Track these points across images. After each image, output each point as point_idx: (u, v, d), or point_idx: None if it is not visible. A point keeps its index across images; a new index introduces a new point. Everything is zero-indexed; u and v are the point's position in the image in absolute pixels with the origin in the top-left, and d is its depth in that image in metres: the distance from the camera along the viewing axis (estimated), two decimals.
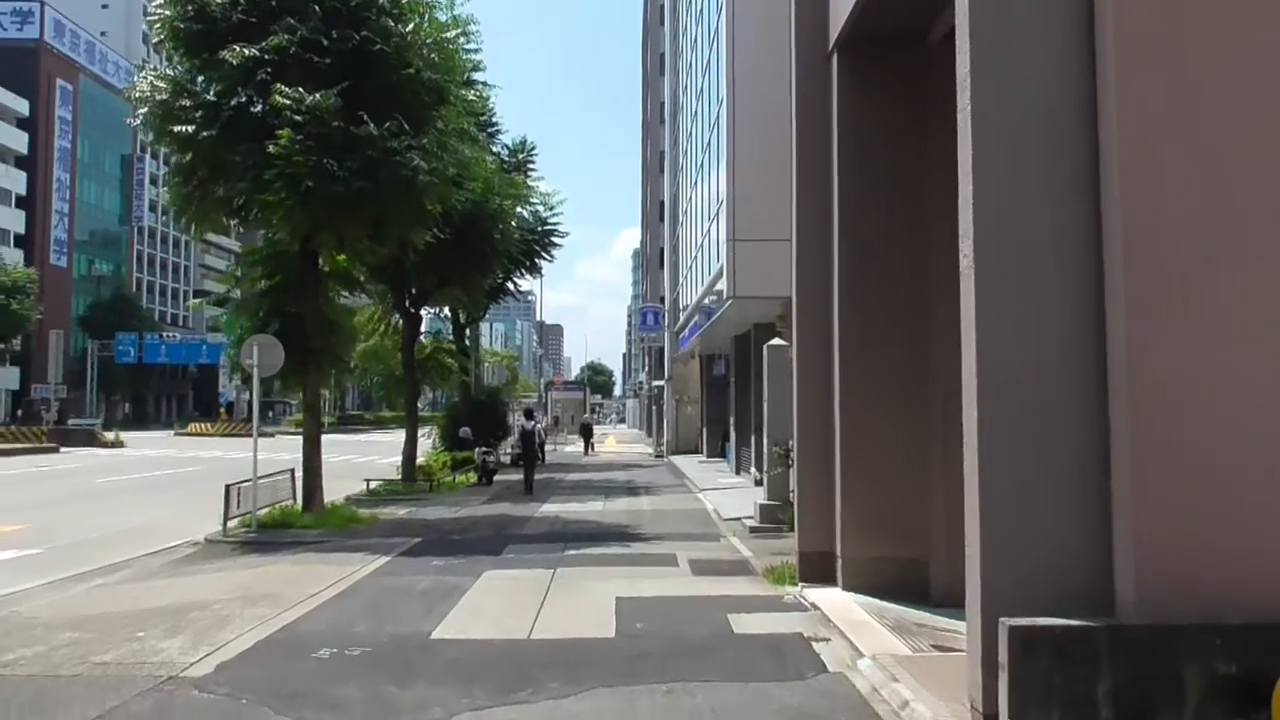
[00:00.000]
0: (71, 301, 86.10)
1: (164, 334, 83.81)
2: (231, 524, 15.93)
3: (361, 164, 15.05)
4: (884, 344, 10.38)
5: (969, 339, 5.84)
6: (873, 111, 10.35)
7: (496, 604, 10.05)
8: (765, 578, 11.33)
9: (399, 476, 24.97)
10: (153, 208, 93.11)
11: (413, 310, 26.19)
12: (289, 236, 16.56)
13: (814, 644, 8.17)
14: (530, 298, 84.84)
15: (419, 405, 30.04)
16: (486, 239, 25.40)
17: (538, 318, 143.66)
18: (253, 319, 17.73)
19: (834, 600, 9.70)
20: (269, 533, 15.82)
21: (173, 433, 68.86)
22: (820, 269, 10.87)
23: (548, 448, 33.72)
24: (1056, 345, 5.67)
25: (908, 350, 10.30)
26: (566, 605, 9.93)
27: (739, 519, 17.32)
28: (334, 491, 22.74)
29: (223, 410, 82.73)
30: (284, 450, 42.54)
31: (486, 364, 46.94)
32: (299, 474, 17.97)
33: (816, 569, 10.65)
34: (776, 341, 16.85)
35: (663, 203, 52.00)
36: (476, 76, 27.90)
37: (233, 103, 15.62)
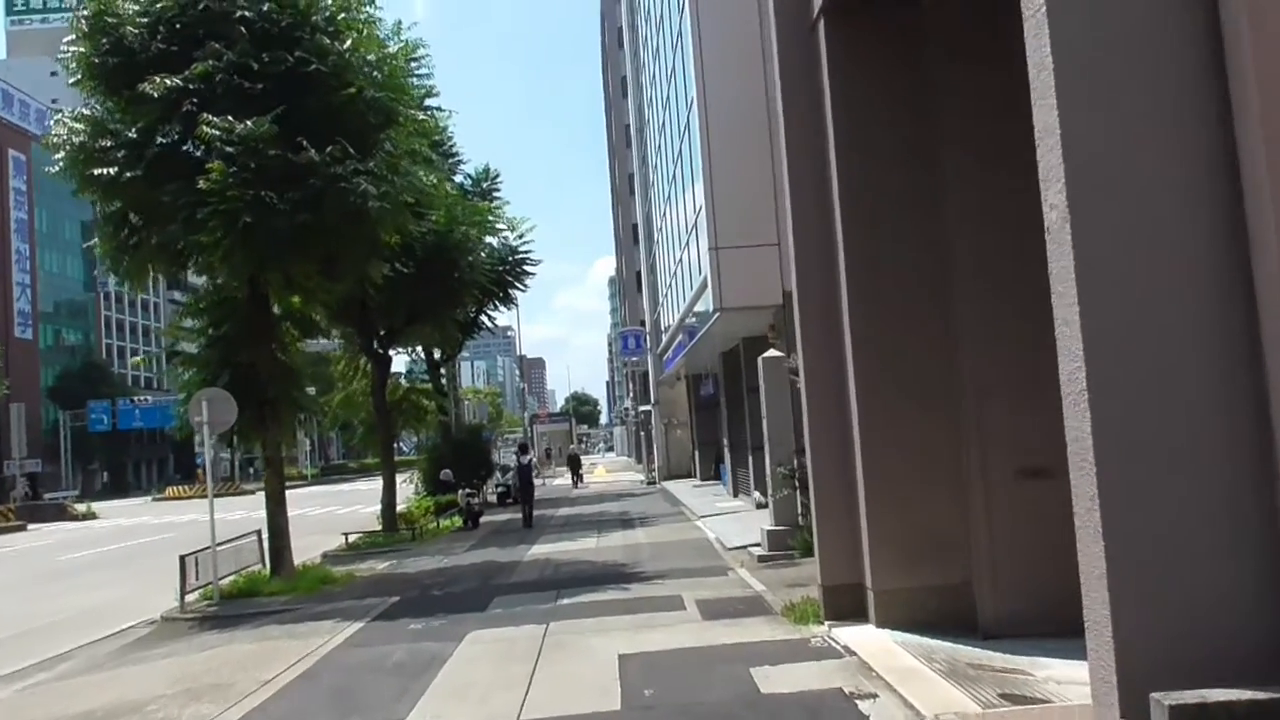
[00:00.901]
0: (40, 373, 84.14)
1: (136, 398, 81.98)
2: (191, 597, 14.51)
3: (304, 194, 13.74)
4: (903, 339, 9.12)
5: (1070, 320, 4.50)
6: (869, 81, 9.11)
7: (481, 675, 8.66)
8: (785, 617, 10.01)
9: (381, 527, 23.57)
10: None
11: (381, 351, 24.83)
12: (232, 279, 15.20)
13: (859, 702, 6.84)
14: (509, 333, 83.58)
15: (399, 449, 28.69)
16: (454, 270, 24.16)
17: (519, 352, 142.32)
18: (202, 371, 16.34)
19: (870, 641, 8.39)
20: (232, 604, 14.37)
21: (150, 498, 66.96)
22: (822, 261, 9.62)
23: (536, 482, 32.48)
24: (1202, 323, 4.30)
25: (930, 344, 9.05)
26: (562, 671, 8.55)
27: (745, 547, 16.01)
28: (310, 549, 21.41)
29: (199, 471, 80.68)
30: (263, 508, 40.91)
31: (467, 401, 45.53)
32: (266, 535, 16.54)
33: (844, 604, 9.34)
34: (772, 353, 15.60)
35: (635, 226, 51.06)
36: (431, 103, 26.99)
37: (158, 140, 14.26)
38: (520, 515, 24.69)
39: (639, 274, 51.06)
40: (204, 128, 13.49)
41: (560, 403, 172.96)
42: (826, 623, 9.28)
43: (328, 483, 74.83)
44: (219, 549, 15.10)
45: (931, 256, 8.97)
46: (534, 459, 30.97)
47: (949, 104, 8.65)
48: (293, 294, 16.64)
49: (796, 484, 15.03)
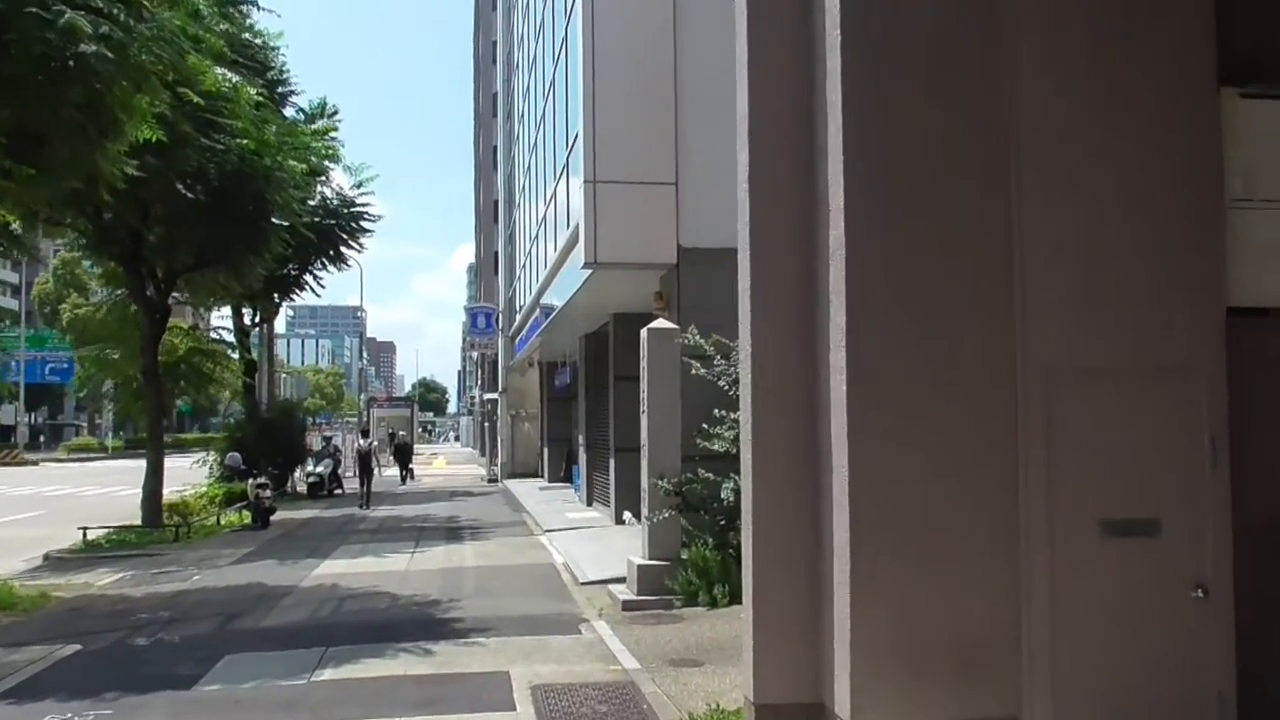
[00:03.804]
0: None
1: None
2: None
3: None
4: (927, 312, 5.19)
5: None
6: None
7: None
8: None
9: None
10: None
11: (157, 298, 19.57)
12: None
13: None
14: (360, 313, 77.56)
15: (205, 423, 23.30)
16: (259, 206, 19.12)
17: (369, 333, 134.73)
18: None
19: None
20: None
21: None
22: (794, 203, 5.65)
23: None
24: None
25: (970, 318, 5.17)
26: None
27: (604, 582, 11.96)
28: (41, 544, 16.49)
29: None
30: (49, 483, 34.36)
31: (284, 375, 39.95)
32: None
33: None
34: (661, 324, 11.53)
35: (496, 202, 46.52)
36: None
37: None
38: (326, 511, 19.89)
39: (496, 255, 46.48)
40: None
41: (408, 389, 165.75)
42: None
43: (132, 457, 66.91)
44: None
45: (987, 196, 5.13)
46: (374, 444, 29.38)
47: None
48: None
49: (679, 505, 11.04)
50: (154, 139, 12.92)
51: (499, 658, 8.32)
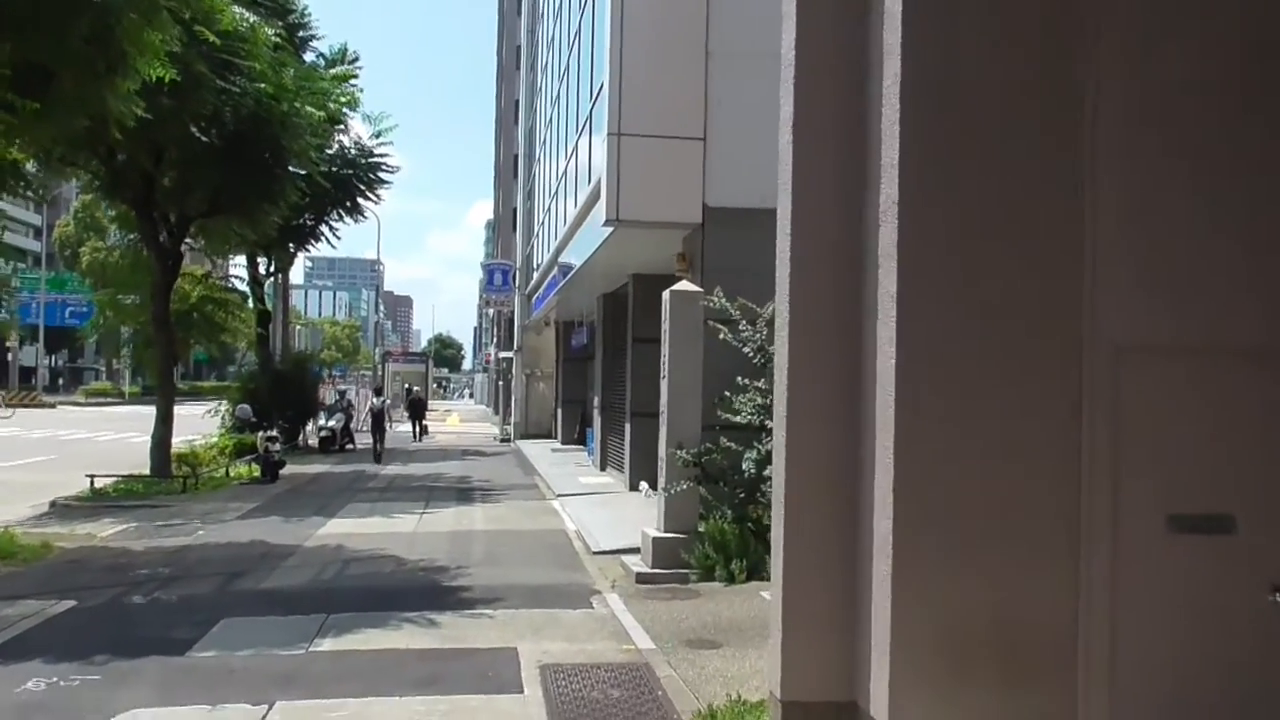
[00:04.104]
0: None
1: None
2: None
3: None
4: (988, 278, 4.70)
5: None
6: None
7: None
8: None
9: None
10: None
11: (171, 244, 19.18)
12: None
13: None
14: (379, 266, 77.09)
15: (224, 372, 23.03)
16: (275, 153, 18.66)
17: (384, 287, 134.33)
18: None
19: None
20: None
21: None
22: (844, 157, 5.16)
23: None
24: None
25: (1035, 287, 4.68)
26: None
27: (618, 552, 11.60)
28: (49, 490, 16.43)
29: None
30: (65, 427, 34.36)
31: (299, 327, 39.64)
32: None
33: None
34: (685, 285, 11.05)
35: (516, 157, 45.93)
36: None
37: None
38: (336, 466, 19.60)
39: (515, 211, 45.91)
40: None
41: (424, 344, 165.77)
42: None
43: (148, 403, 67.08)
44: None
45: (1059, 173, 4.63)
46: (387, 402, 29.98)
47: None
48: None
49: (698, 477, 10.62)
50: (166, 78, 12.47)
51: (507, 632, 7.95)
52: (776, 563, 5.44)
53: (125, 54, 10.24)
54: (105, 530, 13.16)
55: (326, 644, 7.49)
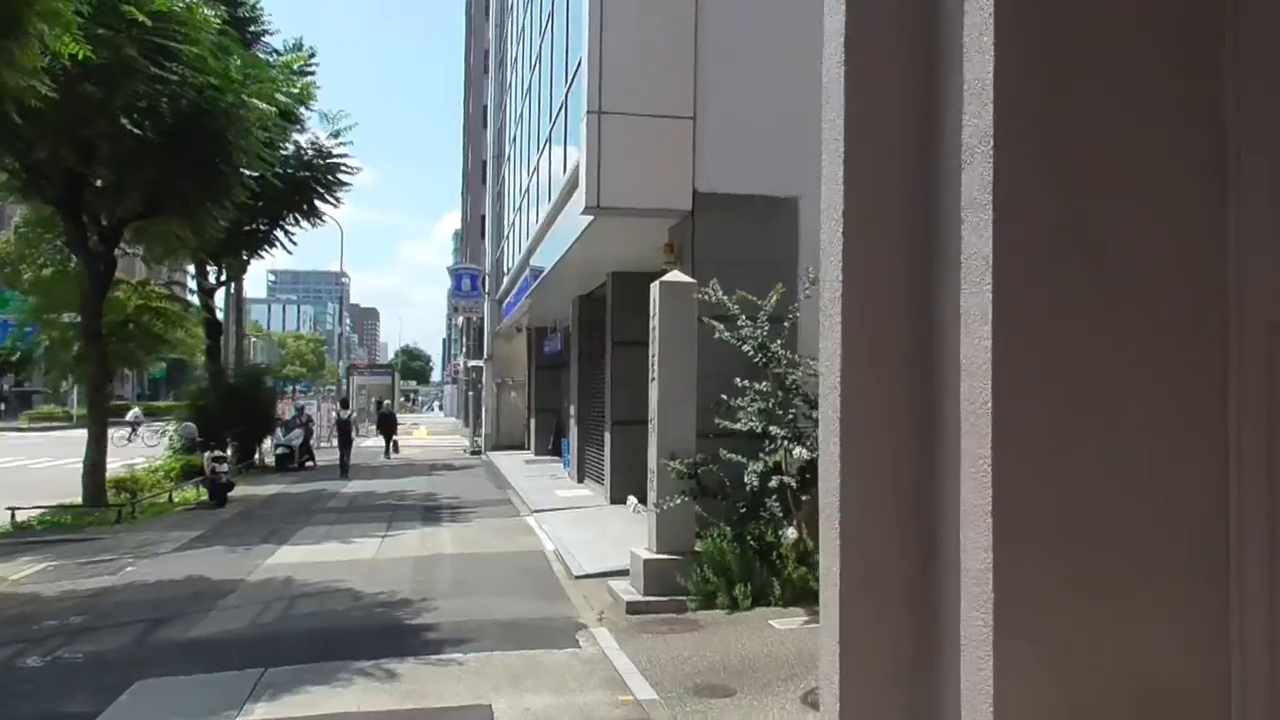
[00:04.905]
0: None
1: None
2: None
3: None
4: (1106, 236, 3.41)
5: None
6: None
7: None
8: None
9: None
10: None
11: (102, 249, 17.64)
12: None
13: None
14: (343, 279, 75.32)
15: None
16: (219, 149, 17.19)
17: (353, 300, 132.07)
18: None
19: None
20: None
21: None
22: (910, 81, 3.85)
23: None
24: None
25: (1167, 250, 3.40)
26: None
27: (603, 575, 10.31)
28: None
29: None
30: (2, 454, 32.42)
31: (254, 340, 37.94)
32: None
33: None
34: (676, 276, 9.76)
35: (484, 163, 44.52)
36: None
37: None
38: (293, 486, 18.09)
39: (483, 218, 44.54)
40: None
41: (391, 356, 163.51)
42: None
43: (114, 425, 64.42)
44: None
45: (1194, 106, 3.34)
46: (353, 414, 29.78)
47: None
48: None
49: (695, 490, 9.35)
50: (81, 56, 11.09)
51: (480, 683, 6.63)
52: (831, 603, 4.17)
53: (18, 19, 8.83)
54: (20, 571, 11.65)
55: (259, 711, 6.12)
